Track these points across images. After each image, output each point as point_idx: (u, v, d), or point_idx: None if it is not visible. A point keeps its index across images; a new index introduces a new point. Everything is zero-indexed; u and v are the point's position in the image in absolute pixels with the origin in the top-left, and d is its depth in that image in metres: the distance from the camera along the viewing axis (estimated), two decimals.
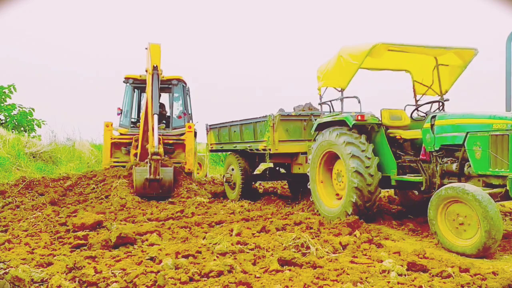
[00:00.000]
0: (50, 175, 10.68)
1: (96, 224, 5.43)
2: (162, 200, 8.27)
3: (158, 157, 8.32)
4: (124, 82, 11.85)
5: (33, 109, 17.14)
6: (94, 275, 3.36)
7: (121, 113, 11.82)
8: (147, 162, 8.53)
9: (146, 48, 9.81)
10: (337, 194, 6.33)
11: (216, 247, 4.18)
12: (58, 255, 4.03)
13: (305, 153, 7.43)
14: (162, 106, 11.98)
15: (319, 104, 6.96)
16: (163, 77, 10.58)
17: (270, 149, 7.52)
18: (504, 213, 6.46)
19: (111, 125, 10.91)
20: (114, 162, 10.62)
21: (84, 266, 3.57)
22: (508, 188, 4.34)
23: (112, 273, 3.44)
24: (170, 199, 8.29)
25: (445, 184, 4.80)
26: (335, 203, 6.21)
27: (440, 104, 6.28)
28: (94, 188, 8.80)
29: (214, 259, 3.80)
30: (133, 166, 8.90)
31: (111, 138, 10.76)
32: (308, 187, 6.70)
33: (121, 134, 11.24)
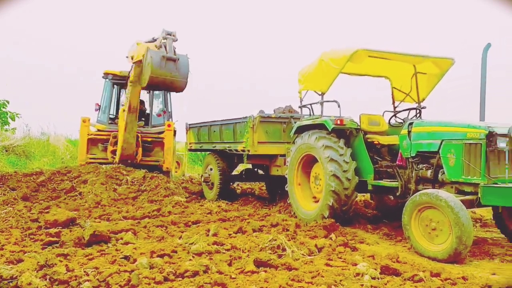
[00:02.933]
0: (22, 170, 10.42)
1: (69, 221, 5.33)
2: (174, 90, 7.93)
3: (173, 37, 8.10)
4: (103, 77, 11.64)
5: (7, 101, 16.70)
6: (65, 273, 3.29)
7: (99, 109, 11.63)
8: (161, 46, 8.12)
9: (127, 57, 9.43)
10: (314, 197, 6.37)
11: (192, 247, 4.15)
12: (29, 252, 3.94)
13: (283, 155, 7.45)
14: (141, 102, 11.83)
15: (299, 107, 6.99)
16: None
17: (249, 150, 7.52)
18: (475, 219, 6.64)
19: (88, 120, 10.71)
20: (90, 158, 10.43)
21: (55, 264, 3.49)
22: (479, 195, 4.47)
23: (85, 271, 3.37)
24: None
25: (419, 190, 4.90)
26: (312, 205, 6.25)
27: (418, 111, 6.41)
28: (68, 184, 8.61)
29: (190, 259, 3.78)
30: (147, 49, 8.21)
31: (88, 134, 10.57)
32: (286, 189, 6.72)
33: (98, 130, 11.06)
